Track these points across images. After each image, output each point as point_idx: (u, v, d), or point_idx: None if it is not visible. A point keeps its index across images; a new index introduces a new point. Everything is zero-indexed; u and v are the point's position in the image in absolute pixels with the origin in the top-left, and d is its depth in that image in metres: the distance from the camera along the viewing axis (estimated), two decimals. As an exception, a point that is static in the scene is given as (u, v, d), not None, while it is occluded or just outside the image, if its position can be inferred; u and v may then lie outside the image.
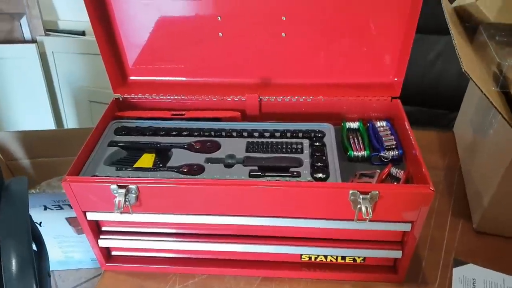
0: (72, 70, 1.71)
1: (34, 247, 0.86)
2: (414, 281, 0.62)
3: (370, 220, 0.52)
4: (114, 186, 0.52)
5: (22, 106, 1.72)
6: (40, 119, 1.73)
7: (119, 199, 0.52)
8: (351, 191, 0.50)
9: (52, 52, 1.68)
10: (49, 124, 1.74)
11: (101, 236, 0.61)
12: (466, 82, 0.84)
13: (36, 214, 1.17)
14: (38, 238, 0.96)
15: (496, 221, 0.66)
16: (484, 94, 0.51)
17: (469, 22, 0.66)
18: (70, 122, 1.80)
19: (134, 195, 0.53)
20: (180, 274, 0.63)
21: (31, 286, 0.71)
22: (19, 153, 1.43)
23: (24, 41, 1.66)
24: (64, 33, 1.71)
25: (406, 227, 0.54)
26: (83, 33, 1.72)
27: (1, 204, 0.82)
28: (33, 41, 1.67)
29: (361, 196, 0.49)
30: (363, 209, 0.49)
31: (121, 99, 0.69)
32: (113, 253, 0.65)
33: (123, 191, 0.52)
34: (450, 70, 1.15)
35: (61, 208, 1.20)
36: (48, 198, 1.16)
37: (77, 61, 1.70)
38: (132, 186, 0.52)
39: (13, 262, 0.72)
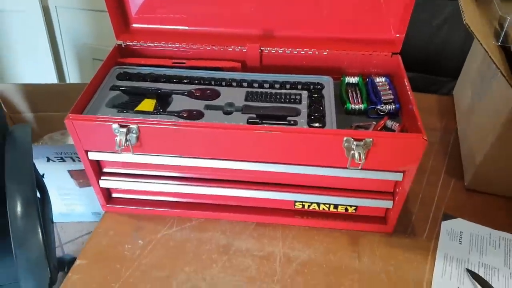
0: (75, 26, 1.69)
1: (38, 194, 0.88)
2: (403, 232, 0.64)
3: (363, 168, 0.54)
4: (115, 125, 0.53)
5: (25, 60, 1.72)
6: (42, 74, 1.73)
7: (120, 137, 0.53)
8: (345, 138, 0.51)
9: (56, 6, 1.66)
10: (51, 79, 1.74)
11: (102, 177, 0.63)
12: (470, 48, 0.84)
13: (39, 165, 1.20)
14: (41, 186, 0.99)
15: (487, 179, 0.68)
16: (484, 48, 0.52)
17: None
18: (72, 78, 1.81)
19: (134, 135, 0.54)
20: (178, 218, 0.66)
21: (35, 225, 0.74)
22: (22, 106, 1.45)
23: (26, -6, 1.63)
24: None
25: (398, 176, 0.55)
26: (86, -12, 1.69)
27: (6, 149, 0.85)
28: (34, -5, 1.64)
29: (355, 143, 0.51)
30: (356, 155, 0.51)
31: (123, 46, 0.70)
32: (114, 195, 0.67)
33: (124, 130, 0.53)
34: (456, 37, 1.14)
35: (64, 161, 1.22)
36: (51, 150, 1.18)
37: (81, 17, 1.68)
38: (133, 126, 0.53)
39: (18, 203, 0.75)
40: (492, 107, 0.64)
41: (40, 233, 0.73)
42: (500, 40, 0.54)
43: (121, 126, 0.53)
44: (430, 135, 0.52)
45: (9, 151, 0.84)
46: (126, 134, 0.53)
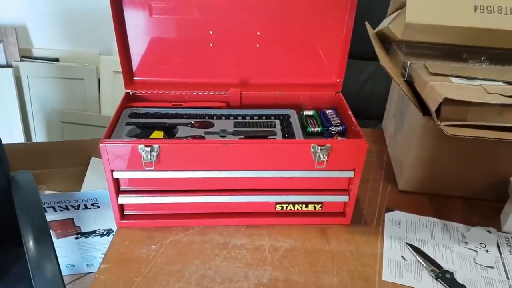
0: (45, 93, 1.83)
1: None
2: (358, 223, 0.84)
3: (325, 169, 0.74)
4: (141, 146, 0.70)
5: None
6: (10, 137, 1.81)
7: (145, 154, 0.70)
8: (312, 145, 0.72)
9: (27, 76, 1.80)
10: (19, 139, 1.82)
11: (120, 195, 0.77)
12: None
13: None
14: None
15: (413, 182, 0.91)
16: (397, 83, 0.77)
17: (385, 42, 0.94)
18: (39, 139, 1.89)
19: (155, 153, 0.71)
20: (182, 227, 0.81)
21: (49, 250, 0.84)
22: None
23: (0, 66, 1.77)
24: (39, 59, 1.84)
25: (350, 174, 0.76)
26: (57, 60, 1.86)
27: (12, 189, 0.95)
28: (8, 65, 1.78)
29: (319, 148, 0.72)
30: (321, 156, 0.71)
31: (131, 94, 0.88)
32: (126, 212, 0.81)
33: (148, 148, 0.70)
34: (378, 89, 1.46)
35: (45, 211, 1.30)
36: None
37: (51, 84, 1.82)
38: (155, 145, 0.70)
39: (31, 232, 0.85)
40: (409, 128, 0.90)
41: (54, 256, 0.83)
42: (406, 77, 0.80)
43: (146, 146, 0.70)
44: (368, 155, 0.74)
45: (16, 190, 0.95)
46: (150, 152, 0.70)
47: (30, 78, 1.80)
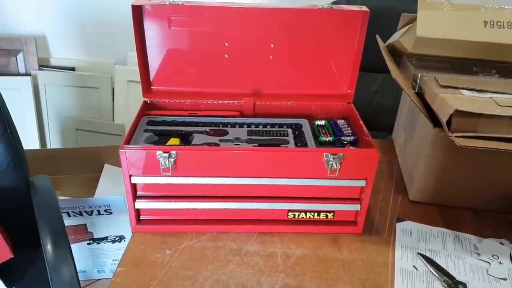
0: (61, 101, 1.87)
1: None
2: (369, 232, 0.85)
3: (338, 178, 0.76)
4: (159, 152, 0.72)
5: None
6: (25, 144, 1.85)
7: (164, 160, 0.72)
8: (324, 153, 0.74)
9: (44, 84, 1.85)
10: (34, 146, 1.86)
11: (137, 200, 0.79)
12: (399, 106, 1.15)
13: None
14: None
15: (424, 193, 0.92)
16: (408, 94, 0.79)
17: (396, 56, 0.96)
18: (54, 146, 1.93)
19: (173, 159, 0.73)
20: (195, 233, 0.82)
21: (66, 253, 0.86)
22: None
23: (19, 74, 1.82)
24: (56, 68, 1.89)
25: (362, 183, 0.78)
26: (73, 69, 1.91)
27: (32, 193, 0.98)
28: (27, 74, 1.83)
29: (331, 157, 0.74)
30: (334, 164, 0.73)
31: (148, 102, 0.91)
32: (142, 217, 0.83)
33: (166, 155, 0.72)
34: (387, 100, 1.47)
35: (59, 216, 1.32)
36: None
37: (67, 92, 1.87)
38: (173, 152, 0.72)
39: (49, 234, 0.87)
40: (419, 138, 0.91)
41: (72, 260, 0.85)
42: (416, 89, 0.82)
43: (164, 152, 0.72)
44: (379, 166, 0.75)
45: (35, 194, 0.97)
46: (168, 158, 0.72)
47: (47, 87, 1.85)
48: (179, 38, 0.87)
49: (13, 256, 0.91)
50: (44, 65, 1.87)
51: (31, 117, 1.84)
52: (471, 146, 0.67)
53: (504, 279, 0.75)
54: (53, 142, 1.93)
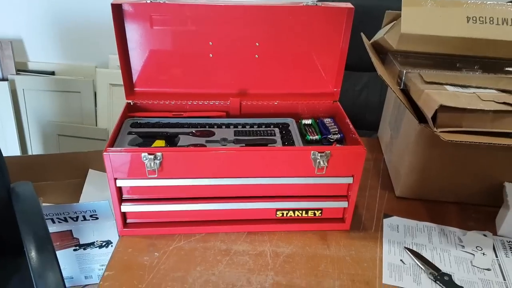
0: (41, 106, 1.83)
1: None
2: (357, 228, 0.85)
3: (325, 175, 0.76)
4: (145, 154, 0.71)
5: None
6: (5, 151, 1.80)
7: (149, 162, 0.71)
8: (312, 151, 0.74)
9: (23, 89, 1.80)
10: (14, 152, 1.82)
11: (123, 204, 0.78)
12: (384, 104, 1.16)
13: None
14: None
15: (410, 188, 0.93)
16: (393, 91, 0.79)
17: (381, 53, 0.97)
18: (35, 152, 1.89)
19: (159, 161, 0.72)
20: (184, 234, 0.81)
21: (52, 259, 0.84)
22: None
23: (-5, 80, 1.77)
24: (34, 73, 1.85)
25: (349, 180, 0.78)
26: (52, 73, 1.87)
27: (13, 199, 0.95)
28: (4, 79, 1.78)
29: (319, 155, 0.74)
30: (321, 162, 0.73)
31: (131, 104, 0.89)
32: (128, 220, 0.81)
33: (151, 156, 0.71)
34: (373, 98, 1.49)
35: (43, 223, 1.29)
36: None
37: (47, 97, 1.83)
38: (158, 153, 0.71)
39: (32, 241, 0.85)
40: (405, 135, 0.92)
41: (57, 265, 0.83)
42: (402, 86, 0.82)
43: (149, 154, 0.71)
44: (365, 163, 0.76)
45: (17, 200, 0.95)
46: (153, 160, 0.71)
47: (26, 92, 1.81)
48: (161, 38, 0.86)
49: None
50: (21, 69, 1.82)
51: (10, 123, 1.79)
52: (455, 141, 0.68)
53: (488, 269, 0.76)
54: (35, 148, 1.88)
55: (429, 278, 0.74)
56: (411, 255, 0.79)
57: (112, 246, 1.37)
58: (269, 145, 0.80)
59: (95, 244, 1.36)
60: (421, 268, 0.76)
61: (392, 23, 0.90)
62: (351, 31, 0.85)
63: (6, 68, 1.78)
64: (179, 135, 0.82)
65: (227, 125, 0.87)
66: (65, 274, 1.41)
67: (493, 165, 0.87)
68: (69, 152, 1.73)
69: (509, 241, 0.83)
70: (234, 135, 0.83)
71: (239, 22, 0.85)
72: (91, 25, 1.76)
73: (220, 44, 0.87)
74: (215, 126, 0.86)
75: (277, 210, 0.81)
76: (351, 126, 0.83)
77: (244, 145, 0.80)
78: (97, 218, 1.29)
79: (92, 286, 1.45)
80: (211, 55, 0.88)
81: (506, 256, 0.79)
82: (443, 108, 0.69)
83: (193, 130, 0.84)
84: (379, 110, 1.23)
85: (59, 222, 1.28)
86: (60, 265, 1.36)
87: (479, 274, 0.75)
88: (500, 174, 0.87)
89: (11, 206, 0.94)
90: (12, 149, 1.82)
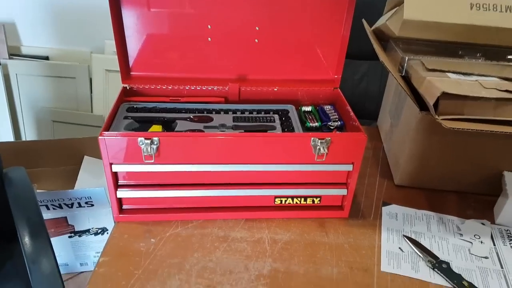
0: (35, 91, 1.81)
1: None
2: (356, 216, 0.85)
3: (325, 162, 0.75)
4: (141, 138, 0.70)
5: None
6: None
7: (145, 147, 0.69)
8: (312, 138, 0.72)
9: (16, 74, 1.77)
10: (8, 138, 1.79)
11: (119, 189, 0.76)
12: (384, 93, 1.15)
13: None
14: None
15: (409, 177, 0.93)
16: (395, 78, 0.78)
17: (382, 40, 0.96)
18: (29, 138, 1.87)
19: (155, 146, 0.71)
20: (181, 221, 0.80)
21: (46, 244, 0.83)
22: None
23: (-12, 64, 1.74)
24: (28, 57, 1.81)
25: (349, 167, 0.77)
26: (46, 58, 1.84)
27: (6, 185, 0.94)
28: (-4, 64, 1.75)
29: (319, 141, 0.72)
30: (321, 149, 0.72)
31: (128, 88, 0.88)
32: (124, 206, 0.80)
33: (148, 141, 0.70)
34: (372, 87, 1.48)
35: (37, 209, 1.28)
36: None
37: (41, 83, 1.80)
38: (155, 138, 0.70)
39: (26, 226, 0.84)
40: (405, 123, 0.91)
41: (51, 251, 0.81)
42: (403, 73, 0.81)
43: (146, 138, 0.70)
44: (365, 152, 0.75)
45: (10, 186, 0.93)
46: (150, 145, 0.70)
47: (19, 76, 1.78)
48: (159, 21, 0.84)
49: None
50: (14, 53, 1.79)
51: (3, 108, 1.76)
52: (457, 128, 0.67)
53: (486, 257, 0.76)
54: (29, 134, 1.86)
55: (427, 266, 0.73)
56: (409, 243, 0.78)
57: (107, 233, 1.36)
58: (268, 131, 0.79)
59: (90, 231, 1.35)
60: (420, 256, 0.76)
61: (395, 9, 0.89)
62: (352, 18, 0.84)
63: (-1, 52, 1.75)
64: (177, 121, 0.81)
65: (226, 111, 0.85)
66: (60, 261, 1.40)
67: (493, 154, 0.86)
68: (64, 138, 1.71)
69: (507, 230, 0.83)
70: (233, 121, 0.82)
71: (239, 6, 0.83)
72: (86, 8, 1.73)
73: (219, 28, 0.85)
74: (214, 112, 0.85)
75: (276, 197, 0.80)
76: (351, 113, 0.82)
77: (243, 131, 0.79)
78: (92, 205, 1.28)
79: (88, 273, 1.44)
80: (209, 39, 0.86)
81: (504, 245, 0.79)
82: (445, 95, 0.68)
83: (191, 115, 0.82)
84: (379, 99, 1.22)
85: (53, 208, 1.27)
86: (55, 252, 1.35)
87: (477, 262, 0.75)
88: (499, 163, 0.87)
89: (4, 192, 0.93)
90: (5, 135, 1.79)
